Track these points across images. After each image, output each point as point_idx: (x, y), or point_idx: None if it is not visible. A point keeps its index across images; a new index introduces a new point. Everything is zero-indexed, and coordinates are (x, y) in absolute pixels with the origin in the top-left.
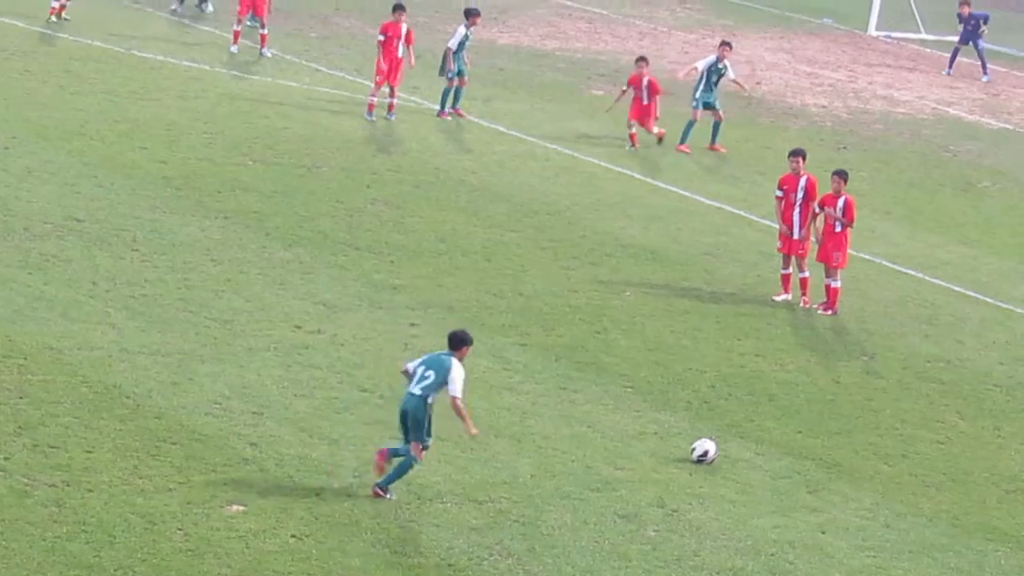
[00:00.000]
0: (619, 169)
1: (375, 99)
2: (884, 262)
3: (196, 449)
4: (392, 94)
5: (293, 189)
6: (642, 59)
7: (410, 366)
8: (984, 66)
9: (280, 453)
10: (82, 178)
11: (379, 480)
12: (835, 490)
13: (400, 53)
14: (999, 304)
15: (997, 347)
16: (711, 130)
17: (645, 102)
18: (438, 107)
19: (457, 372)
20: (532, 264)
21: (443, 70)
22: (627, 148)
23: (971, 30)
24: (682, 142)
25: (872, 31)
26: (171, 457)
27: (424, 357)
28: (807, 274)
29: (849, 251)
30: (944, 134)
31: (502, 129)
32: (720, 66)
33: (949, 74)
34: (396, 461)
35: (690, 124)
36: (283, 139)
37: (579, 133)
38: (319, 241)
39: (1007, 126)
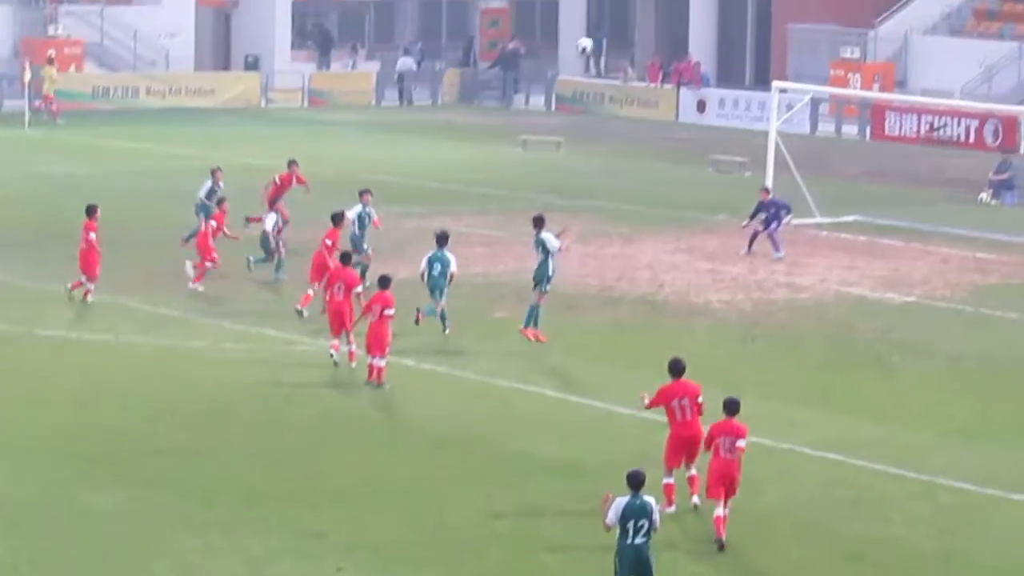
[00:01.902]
0: (531, 388)
1: (336, 341)
2: (804, 449)
3: None
4: (348, 340)
5: (209, 448)
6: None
7: (611, 521)
8: (777, 246)
9: None
10: None
11: None
12: None
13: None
14: (921, 477)
15: (924, 520)
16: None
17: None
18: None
19: (656, 504)
20: (453, 494)
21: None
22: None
23: (771, 215)
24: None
25: (768, 229)
26: None
27: (623, 508)
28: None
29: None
30: (849, 314)
31: (410, 364)
32: (447, 255)
33: (780, 257)
34: None
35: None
36: (194, 399)
37: (487, 357)
38: (239, 497)
39: (910, 299)
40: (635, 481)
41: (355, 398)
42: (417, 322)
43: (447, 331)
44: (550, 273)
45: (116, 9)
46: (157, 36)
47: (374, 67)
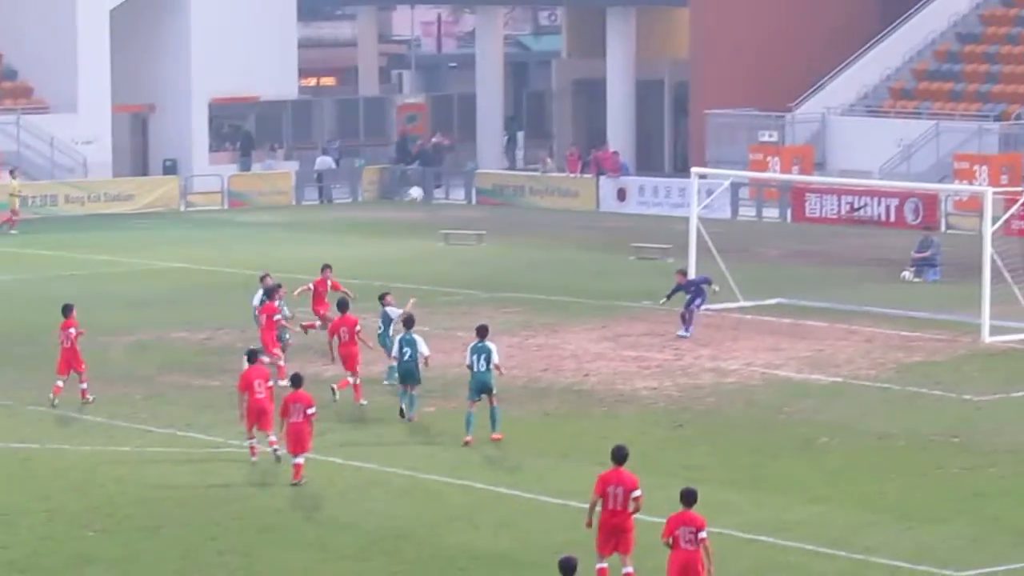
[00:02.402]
0: (461, 482)
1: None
2: (735, 532)
3: None
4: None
5: (138, 553)
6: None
7: None
8: (688, 324)
9: None
10: None
11: None
12: None
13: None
14: (854, 556)
15: None
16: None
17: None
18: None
19: None
20: None
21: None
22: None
23: (694, 293)
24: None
25: (692, 306)
26: None
27: None
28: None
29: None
30: (776, 396)
31: (339, 461)
32: (415, 338)
33: (686, 335)
34: None
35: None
36: (121, 504)
37: (416, 453)
38: None
39: (837, 379)
40: (567, 567)
41: (285, 498)
42: (407, 418)
43: (411, 418)
44: (493, 387)
45: (33, 118)
46: (74, 143)
47: (293, 167)
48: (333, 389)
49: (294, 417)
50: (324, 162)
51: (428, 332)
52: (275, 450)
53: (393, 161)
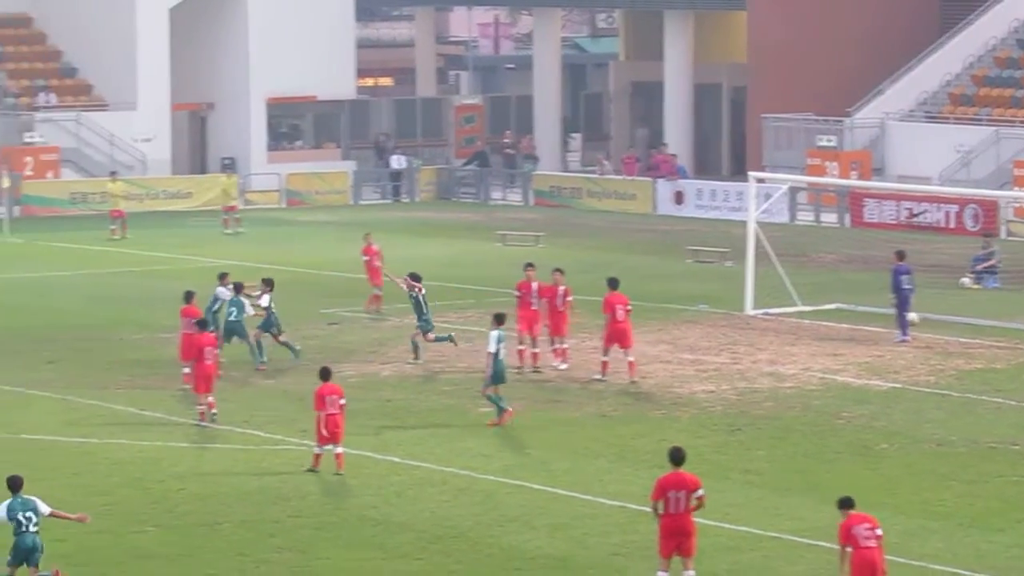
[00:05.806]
0: (517, 482)
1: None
2: (791, 537)
3: None
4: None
5: (196, 549)
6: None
7: None
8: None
9: None
10: None
11: None
12: None
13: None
14: (913, 563)
15: None
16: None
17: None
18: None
19: None
20: None
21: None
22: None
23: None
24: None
25: (749, 310)
26: None
27: None
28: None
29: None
30: (834, 402)
31: (396, 460)
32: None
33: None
34: None
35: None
36: (180, 501)
37: (473, 453)
38: None
39: (896, 385)
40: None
41: (341, 496)
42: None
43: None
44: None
45: (92, 115)
46: (133, 141)
47: (350, 167)
48: (601, 373)
49: (330, 409)
50: (399, 161)
51: (483, 332)
52: (213, 413)
53: (478, 164)
